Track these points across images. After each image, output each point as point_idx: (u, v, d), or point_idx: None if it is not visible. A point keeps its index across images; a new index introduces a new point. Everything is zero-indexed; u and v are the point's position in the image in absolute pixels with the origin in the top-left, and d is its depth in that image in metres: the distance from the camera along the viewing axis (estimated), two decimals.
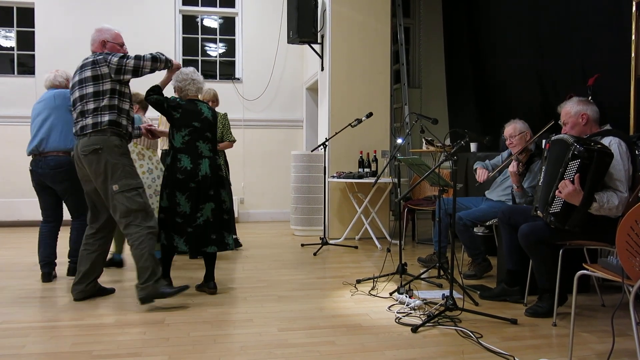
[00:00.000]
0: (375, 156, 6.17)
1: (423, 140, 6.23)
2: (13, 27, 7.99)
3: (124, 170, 3.43)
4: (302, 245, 5.85)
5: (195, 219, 3.73)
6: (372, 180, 5.51)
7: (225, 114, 5.47)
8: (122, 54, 3.46)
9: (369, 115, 5.63)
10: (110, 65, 3.38)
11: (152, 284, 3.39)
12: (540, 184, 3.23)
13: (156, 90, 3.77)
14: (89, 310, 3.42)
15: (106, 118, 3.39)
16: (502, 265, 3.84)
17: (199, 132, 3.78)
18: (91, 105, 3.40)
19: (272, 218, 8.12)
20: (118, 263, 4.79)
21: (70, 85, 3.61)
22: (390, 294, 3.74)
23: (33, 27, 7.76)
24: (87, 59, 3.49)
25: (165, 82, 3.80)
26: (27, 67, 8.02)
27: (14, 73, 8.02)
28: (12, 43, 8.08)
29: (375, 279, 4.06)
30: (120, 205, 3.41)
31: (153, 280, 3.40)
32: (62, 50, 7.53)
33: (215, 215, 3.79)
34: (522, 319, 3.21)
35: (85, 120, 3.41)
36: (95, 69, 3.39)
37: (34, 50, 7.76)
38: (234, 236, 5.04)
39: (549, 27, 4.97)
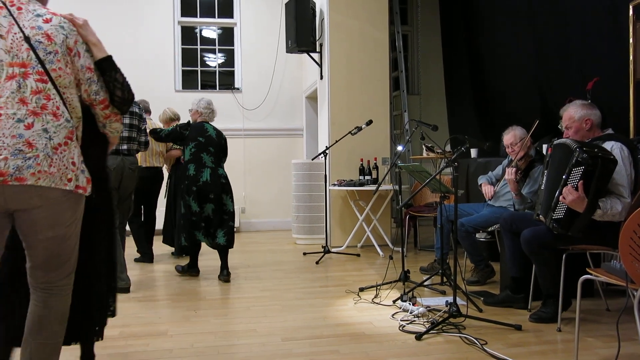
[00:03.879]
0: (375, 163, 6.17)
1: (423, 146, 6.24)
2: None
3: None
4: (305, 253, 5.84)
5: (202, 215, 4.49)
6: (373, 187, 5.52)
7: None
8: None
9: (369, 122, 5.64)
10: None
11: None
12: (542, 188, 3.23)
13: (157, 132, 4.73)
14: None
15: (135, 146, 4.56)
16: (505, 271, 3.84)
17: (204, 146, 4.54)
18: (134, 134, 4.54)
19: (274, 227, 8.12)
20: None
21: None
22: (394, 301, 3.73)
23: None
24: None
25: None
26: None
27: None
28: None
29: (378, 287, 4.06)
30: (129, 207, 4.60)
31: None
32: None
33: (215, 214, 4.50)
34: (527, 324, 3.20)
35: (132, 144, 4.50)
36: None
37: None
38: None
39: (546, 31, 5.00)
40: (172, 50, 7.94)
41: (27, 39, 1.90)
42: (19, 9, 1.95)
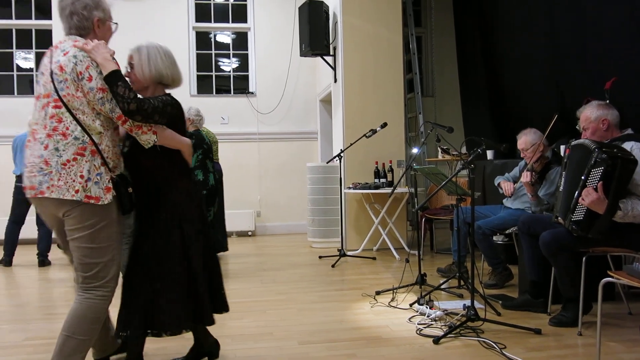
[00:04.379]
0: (390, 166, 6.14)
1: (439, 149, 6.20)
2: (32, 48, 8.15)
3: None
4: (320, 257, 5.83)
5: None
6: (388, 190, 5.49)
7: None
8: None
9: (384, 125, 5.62)
10: None
11: None
12: (560, 190, 3.18)
13: None
14: None
15: None
16: (523, 274, 3.79)
17: (207, 152, 4.73)
18: None
19: (289, 230, 8.12)
20: None
21: None
22: (411, 305, 3.70)
23: None
24: None
25: None
26: None
27: (32, 93, 8.17)
28: (31, 64, 8.24)
29: (395, 290, 4.03)
30: None
31: None
32: None
33: (216, 216, 4.93)
34: (547, 328, 3.16)
35: None
36: None
37: None
38: None
39: (564, 30, 4.93)
40: (187, 55, 8.00)
41: (51, 73, 2.22)
42: (56, 47, 2.28)
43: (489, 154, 5.64)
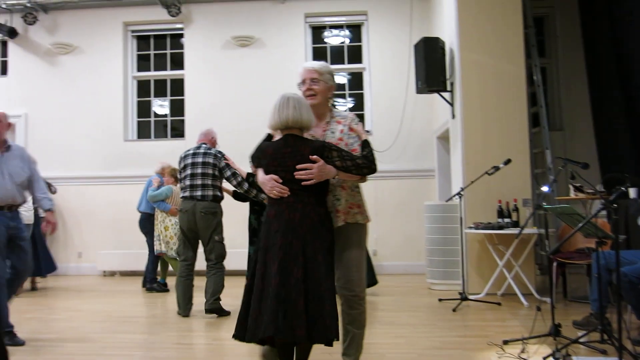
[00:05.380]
0: (515, 205, 5.77)
1: (570, 186, 5.72)
2: (167, 96, 8.92)
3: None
4: (440, 300, 5.57)
5: None
6: (514, 231, 5.15)
7: None
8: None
9: (507, 161, 5.33)
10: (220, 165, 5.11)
11: (217, 300, 4.98)
12: None
13: (253, 177, 4.80)
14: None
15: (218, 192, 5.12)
16: None
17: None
18: (209, 181, 5.06)
19: (406, 271, 7.90)
20: (163, 286, 6.75)
21: (191, 161, 5.13)
22: (544, 358, 3.35)
23: (183, 95, 8.59)
24: (208, 148, 5.20)
25: None
26: (178, 131, 8.85)
27: (167, 137, 8.89)
28: (166, 110, 9.01)
29: (525, 341, 3.69)
30: (217, 250, 5.06)
31: (217, 298, 4.98)
32: (207, 114, 8.23)
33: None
34: None
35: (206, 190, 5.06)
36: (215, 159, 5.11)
37: (184, 116, 8.56)
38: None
39: None
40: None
41: None
42: None
43: (632, 192, 5.08)
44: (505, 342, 3.75)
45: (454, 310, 5.06)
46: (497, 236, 5.76)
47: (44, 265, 6.69)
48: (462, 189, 5.60)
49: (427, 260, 6.39)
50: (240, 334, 2.58)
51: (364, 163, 2.70)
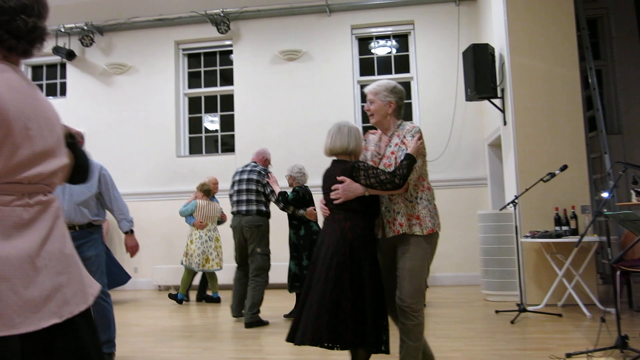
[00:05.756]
0: (573, 212, 5.57)
1: (632, 192, 5.48)
2: (217, 112, 9.14)
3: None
4: (497, 311, 5.42)
5: None
6: (573, 239, 4.97)
7: None
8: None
9: (564, 168, 5.17)
10: (263, 182, 5.39)
11: (255, 314, 5.14)
12: None
13: (284, 196, 5.26)
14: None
15: (262, 207, 5.38)
16: None
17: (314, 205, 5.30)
18: (252, 197, 5.37)
19: (460, 282, 7.74)
20: (216, 300, 6.95)
21: (238, 178, 5.47)
22: None
23: (233, 110, 8.78)
24: (255, 166, 5.53)
25: None
26: (228, 146, 9.03)
27: (218, 152, 9.09)
28: (216, 126, 9.22)
29: (590, 354, 3.54)
30: (257, 262, 5.27)
31: (256, 311, 5.15)
32: (257, 128, 8.37)
33: None
34: None
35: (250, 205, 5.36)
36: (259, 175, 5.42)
37: (234, 131, 8.73)
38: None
39: None
40: (352, 109, 8.29)
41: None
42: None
43: None
44: (569, 356, 3.61)
45: (512, 322, 4.92)
46: (555, 245, 5.57)
47: (116, 276, 6.89)
48: (517, 197, 5.45)
49: (482, 271, 6.24)
50: (291, 337, 2.76)
51: (387, 179, 2.76)
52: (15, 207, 1.42)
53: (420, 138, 2.87)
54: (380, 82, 3.09)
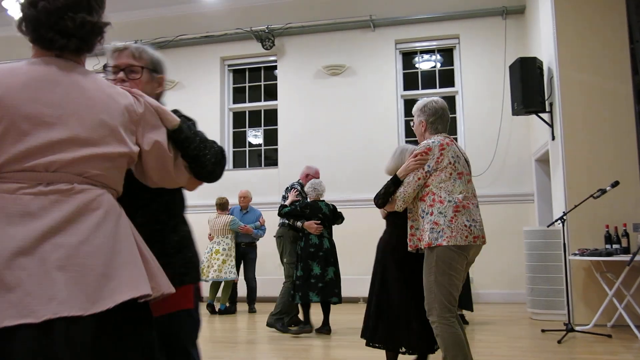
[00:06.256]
0: (625, 230, 5.38)
1: None
2: (261, 126, 9.30)
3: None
4: (543, 330, 5.26)
5: (323, 277, 5.27)
6: (624, 258, 4.79)
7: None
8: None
9: (615, 184, 5.01)
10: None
11: (278, 318, 5.45)
12: None
13: (280, 208, 5.63)
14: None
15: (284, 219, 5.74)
16: None
17: (322, 221, 5.44)
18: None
19: (504, 299, 7.56)
20: (224, 311, 7.10)
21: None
22: None
23: (276, 125, 8.91)
24: (293, 182, 5.96)
25: None
26: (271, 160, 9.17)
27: (261, 166, 9.24)
28: (260, 140, 9.38)
29: None
30: (285, 269, 5.71)
31: (279, 316, 5.46)
32: (300, 142, 8.47)
33: (336, 276, 5.38)
34: None
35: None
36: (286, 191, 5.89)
37: (277, 145, 8.86)
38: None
39: None
40: (395, 123, 8.28)
41: (466, 160, 3.09)
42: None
43: None
44: None
45: (559, 342, 4.76)
46: (605, 263, 5.38)
47: None
48: (565, 214, 5.31)
49: (528, 289, 6.08)
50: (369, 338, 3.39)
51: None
52: (21, 195, 1.34)
53: (417, 155, 2.99)
54: (419, 101, 3.30)
